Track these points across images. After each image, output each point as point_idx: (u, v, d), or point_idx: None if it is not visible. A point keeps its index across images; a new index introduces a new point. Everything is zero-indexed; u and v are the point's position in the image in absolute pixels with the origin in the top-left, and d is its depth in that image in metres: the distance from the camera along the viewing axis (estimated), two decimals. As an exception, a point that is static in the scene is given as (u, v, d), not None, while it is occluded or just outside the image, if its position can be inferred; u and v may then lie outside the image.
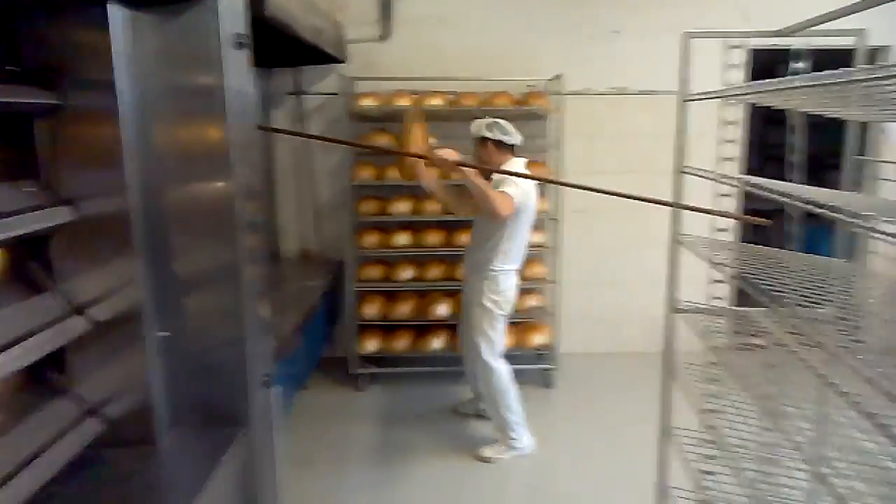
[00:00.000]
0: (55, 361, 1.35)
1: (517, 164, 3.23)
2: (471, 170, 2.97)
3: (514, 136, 3.21)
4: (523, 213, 3.19)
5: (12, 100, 1.22)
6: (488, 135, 3.18)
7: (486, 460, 3.33)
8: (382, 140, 4.09)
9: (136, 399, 1.39)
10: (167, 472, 1.37)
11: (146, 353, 1.37)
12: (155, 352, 1.38)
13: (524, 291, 4.26)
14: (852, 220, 0.95)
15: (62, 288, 1.34)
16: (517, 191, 3.05)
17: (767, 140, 6.90)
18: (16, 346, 1.17)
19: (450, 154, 2.97)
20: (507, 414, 3.34)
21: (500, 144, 3.19)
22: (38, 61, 1.27)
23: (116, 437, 1.38)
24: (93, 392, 1.38)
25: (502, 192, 3.01)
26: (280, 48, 3.42)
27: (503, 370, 3.34)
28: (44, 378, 1.35)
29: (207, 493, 1.27)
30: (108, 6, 1.24)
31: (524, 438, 3.39)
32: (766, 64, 4.14)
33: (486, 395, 3.40)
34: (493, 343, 3.32)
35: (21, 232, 1.20)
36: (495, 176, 3.14)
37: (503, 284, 3.29)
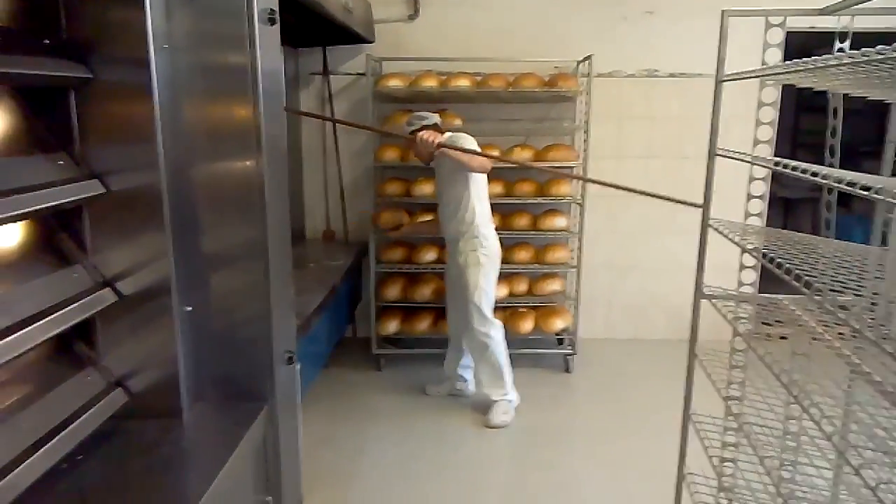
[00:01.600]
0: (84, 333, 1.37)
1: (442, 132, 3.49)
2: (449, 148, 3.34)
3: (431, 118, 3.55)
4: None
5: (47, 73, 1.23)
6: (413, 127, 3.49)
7: (497, 427, 3.49)
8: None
9: (162, 372, 1.41)
10: (190, 445, 1.38)
11: (173, 327, 1.38)
12: (181, 326, 1.40)
13: (545, 276, 4.26)
14: (894, 201, 0.92)
15: (92, 260, 1.36)
16: (474, 142, 3.39)
17: (799, 127, 6.77)
18: (47, 317, 1.19)
19: (432, 136, 3.31)
20: (504, 367, 3.56)
21: (425, 128, 3.48)
22: (73, 35, 1.27)
23: (141, 409, 1.40)
24: (119, 364, 1.40)
25: (472, 149, 3.34)
26: (308, 28, 3.41)
27: (500, 324, 3.57)
28: (72, 349, 1.37)
29: (230, 466, 1.28)
30: (145, -20, 1.24)
31: (514, 392, 3.61)
32: (801, 48, 4.04)
33: (484, 354, 3.54)
34: (490, 299, 3.54)
35: (53, 204, 1.21)
36: (449, 134, 3.48)
37: (490, 237, 3.54)
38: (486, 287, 3.50)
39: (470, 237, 3.48)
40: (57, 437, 1.20)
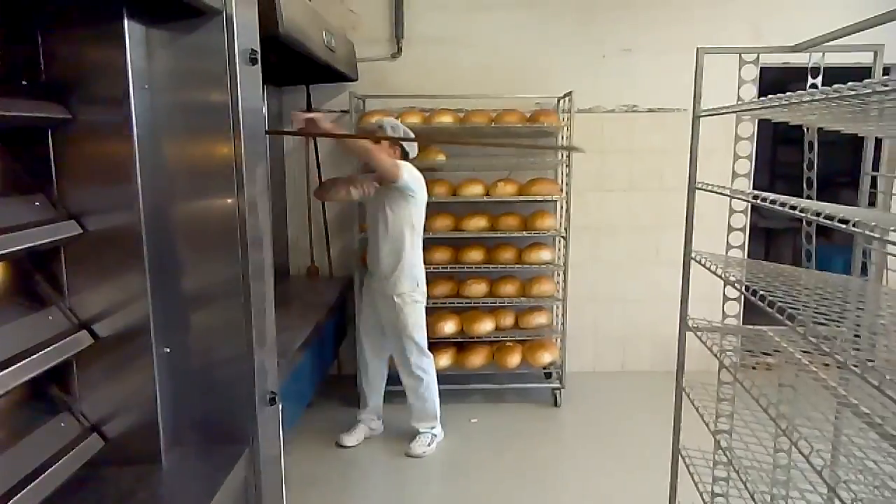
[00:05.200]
0: (59, 377, 1.33)
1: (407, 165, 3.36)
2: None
3: (397, 127, 3.41)
4: (419, 195, 3.35)
5: (26, 113, 1.22)
6: (393, 134, 3.36)
7: (417, 457, 3.48)
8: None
9: (140, 416, 1.37)
10: (170, 492, 1.34)
11: (151, 369, 1.35)
12: (160, 368, 1.37)
13: (531, 309, 4.25)
14: (872, 233, 0.93)
15: (69, 302, 1.33)
16: (405, 166, 3.27)
17: (776, 159, 6.89)
18: (20, 361, 1.15)
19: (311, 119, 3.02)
20: (436, 402, 3.58)
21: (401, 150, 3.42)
22: (52, 75, 1.27)
23: (118, 454, 1.36)
24: (95, 408, 1.36)
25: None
26: (292, 66, 3.44)
27: (432, 357, 3.58)
28: (46, 393, 1.33)
29: (211, 512, 1.24)
30: (125, 21, 1.24)
31: (440, 427, 3.62)
32: (775, 83, 4.14)
33: (419, 388, 3.52)
34: (425, 334, 3.52)
35: (28, 245, 1.19)
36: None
37: (420, 274, 3.46)
38: (423, 322, 3.49)
39: (407, 275, 3.39)
40: (29, 486, 1.15)
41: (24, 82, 1.24)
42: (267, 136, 1.62)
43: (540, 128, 4.06)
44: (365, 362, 3.66)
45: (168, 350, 1.38)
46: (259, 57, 1.41)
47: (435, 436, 3.59)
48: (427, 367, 3.52)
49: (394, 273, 3.38)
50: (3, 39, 1.24)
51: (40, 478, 1.18)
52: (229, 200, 1.37)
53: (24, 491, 1.14)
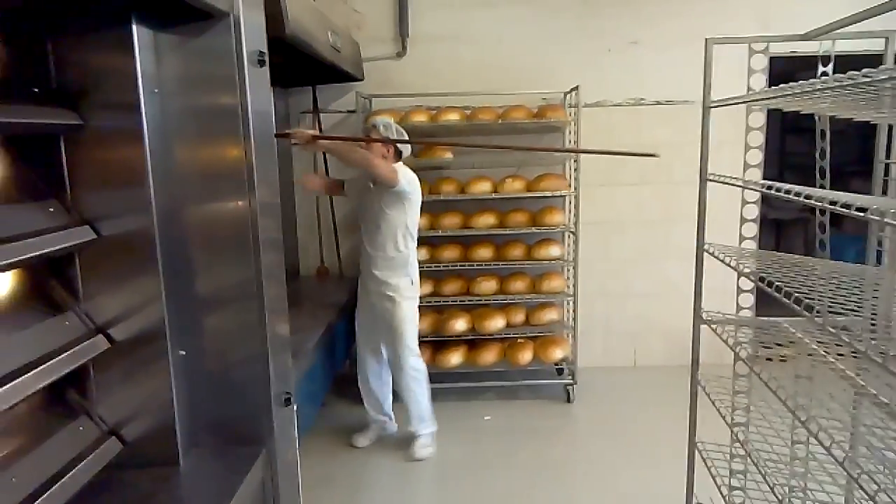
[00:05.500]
0: (76, 381, 1.34)
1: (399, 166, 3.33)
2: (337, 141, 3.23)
3: (390, 127, 3.36)
4: (413, 196, 3.33)
5: (37, 120, 1.23)
6: (385, 133, 3.31)
7: (421, 459, 3.48)
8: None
9: (157, 419, 1.38)
10: (188, 493, 1.35)
11: (167, 372, 1.36)
12: (176, 371, 1.37)
13: (542, 305, 4.24)
14: (888, 221, 0.92)
15: (84, 307, 1.34)
16: (401, 170, 3.24)
17: (786, 149, 6.85)
18: (38, 366, 1.16)
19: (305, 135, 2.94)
20: (429, 401, 3.56)
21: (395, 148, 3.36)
22: (63, 82, 1.27)
23: (136, 457, 1.37)
24: (113, 412, 1.37)
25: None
26: (298, 68, 3.45)
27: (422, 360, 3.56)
28: (64, 398, 1.34)
29: (229, 513, 1.25)
30: (134, 27, 1.25)
31: (433, 423, 3.60)
32: (784, 73, 4.11)
33: (410, 390, 3.50)
34: (416, 335, 3.50)
35: (43, 252, 1.20)
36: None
37: (415, 274, 3.45)
38: (415, 321, 3.48)
39: (403, 273, 3.38)
40: (49, 492, 1.16)
41: (35, 90, 1.25)
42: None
43: (547, 123, 4.05)
44: (364, 364, 3.65)
45: (183, 353, 1.39)
46: (267, 58, 1.42)
47: (431, 434, 3.59)
48: (421, 367, 3.51)
49: (389, 273, 3.38)
50: (14, 48, 1.25)
51: (60, 482, 1.19)
52: (241, 202, 1.37)
53: (44, 495, 1.15)
